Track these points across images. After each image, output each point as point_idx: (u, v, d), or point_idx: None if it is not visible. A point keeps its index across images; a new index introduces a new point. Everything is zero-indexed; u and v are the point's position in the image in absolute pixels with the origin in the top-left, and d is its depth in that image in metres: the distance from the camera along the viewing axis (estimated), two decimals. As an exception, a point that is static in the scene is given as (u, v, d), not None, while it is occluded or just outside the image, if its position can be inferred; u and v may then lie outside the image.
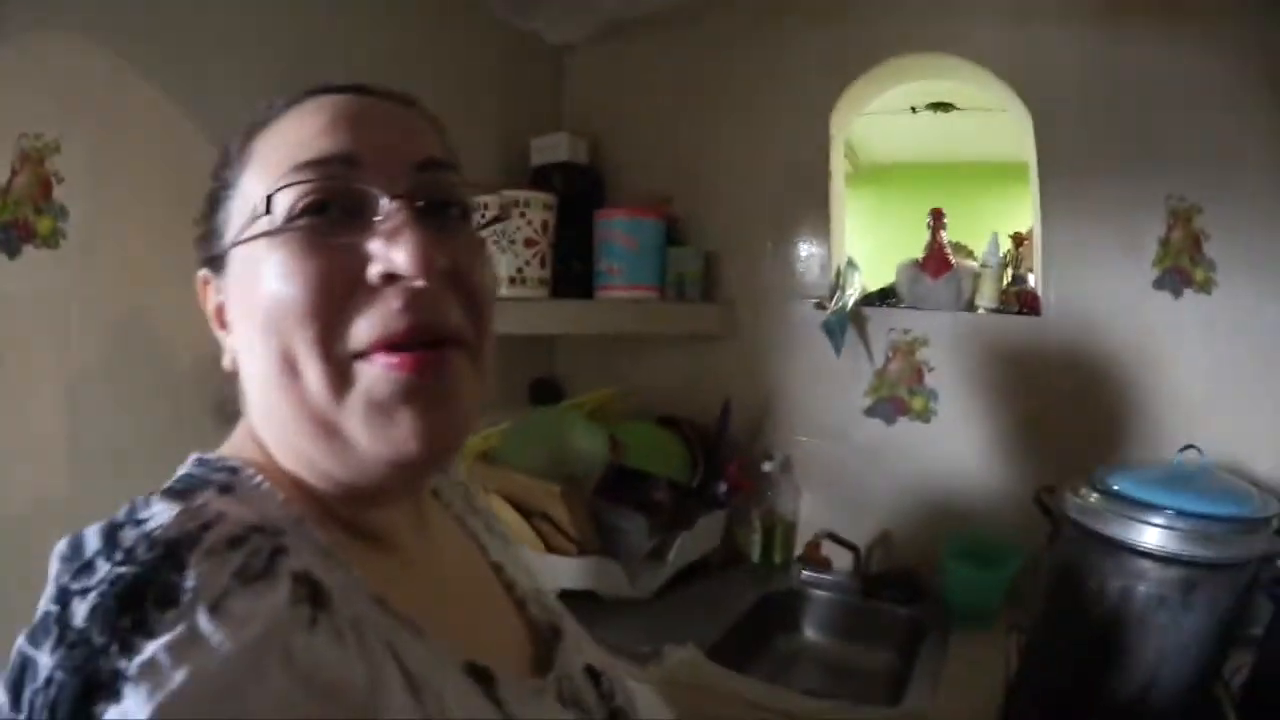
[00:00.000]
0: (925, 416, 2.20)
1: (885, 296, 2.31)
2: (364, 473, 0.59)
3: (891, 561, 2.24)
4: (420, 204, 0.59)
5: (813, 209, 2.34)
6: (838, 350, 2.22)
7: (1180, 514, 1.32)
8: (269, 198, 0.57)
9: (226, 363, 0.64)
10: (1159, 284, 1.99)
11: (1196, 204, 1.96)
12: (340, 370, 0.56)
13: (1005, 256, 2.27)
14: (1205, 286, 1.97)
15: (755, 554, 2.33)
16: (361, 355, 0.56)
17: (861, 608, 2.14)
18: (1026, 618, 1.84)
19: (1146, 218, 1.99)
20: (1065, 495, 1.51)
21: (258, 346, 0.57)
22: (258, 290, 0.57)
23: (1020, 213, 2.31)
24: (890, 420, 2.24)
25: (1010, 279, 2.27)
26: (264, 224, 0.57)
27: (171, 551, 0.45)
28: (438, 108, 0.70)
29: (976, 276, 2.19)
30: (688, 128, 2.46)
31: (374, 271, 0.57)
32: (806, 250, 2.36)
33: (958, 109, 2.94)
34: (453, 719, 0.54)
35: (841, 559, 2.22)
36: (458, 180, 0.65)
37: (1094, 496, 1.44)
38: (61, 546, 0.48)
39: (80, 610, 0.43)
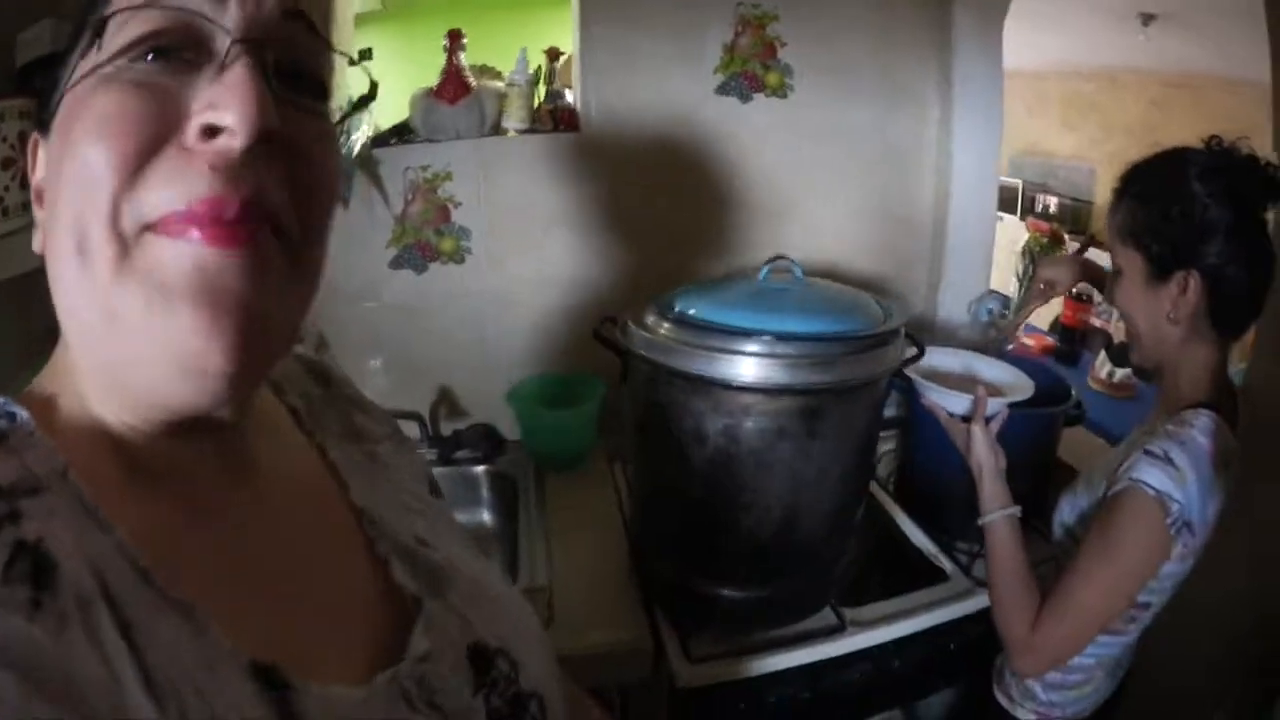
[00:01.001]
0: (458, 257, 1.95)
1: (401, 133, 1.96)
2: (151, 381, 0.47)
3: (462, 420, 2.05)
4: (271, 56, 0.46)
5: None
6: (344, 202, 1.87)
7: (782, 338, 1.15)
8: (102, 21, 0.45)
9: (36, 245, 0.50)
10: (723, 90, 1.92)
11: (771, 11, 1.89)
12: (124, 244, 0.44)
13: (537, 73, 2.03)
14: (780, 91, 1.94)
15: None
16: (152, 227, 0.44)
17: (442, 476, 1.92)
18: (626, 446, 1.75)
19: (709, 25, 1.89)
20: (629, 327, 1.29)
21: (57, 220, 0.46)
22: (66, 148, 0.45)
23: (561, 33, 2.08)
24: (421, 268, 1.95)
25: (544, 96, 2.04)
26: (90, 61, 0.45)
27: None
28: None
29: (503, 97, 1.92)
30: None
31: (194, 125, 0.44)
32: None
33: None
34: None
35: (409, 430, 1.98)
36: (325, 50, 0.51)
37: (665, 326, 1.23)
38: None
39: None
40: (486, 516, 1.97)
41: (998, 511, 1.25)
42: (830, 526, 1.37)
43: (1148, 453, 1.09)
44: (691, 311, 1.23)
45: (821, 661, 1.40)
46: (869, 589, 1.54)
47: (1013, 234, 4.76)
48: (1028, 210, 5.51)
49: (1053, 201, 5.43)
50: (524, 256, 1.96)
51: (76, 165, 0.44)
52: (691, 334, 1.20)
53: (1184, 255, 1.13)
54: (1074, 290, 3.00)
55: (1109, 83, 5.29)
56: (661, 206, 1.96)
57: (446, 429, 2.01)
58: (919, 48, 2.05)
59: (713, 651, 1.36)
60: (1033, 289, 1.65)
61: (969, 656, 1.51)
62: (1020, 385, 1.47)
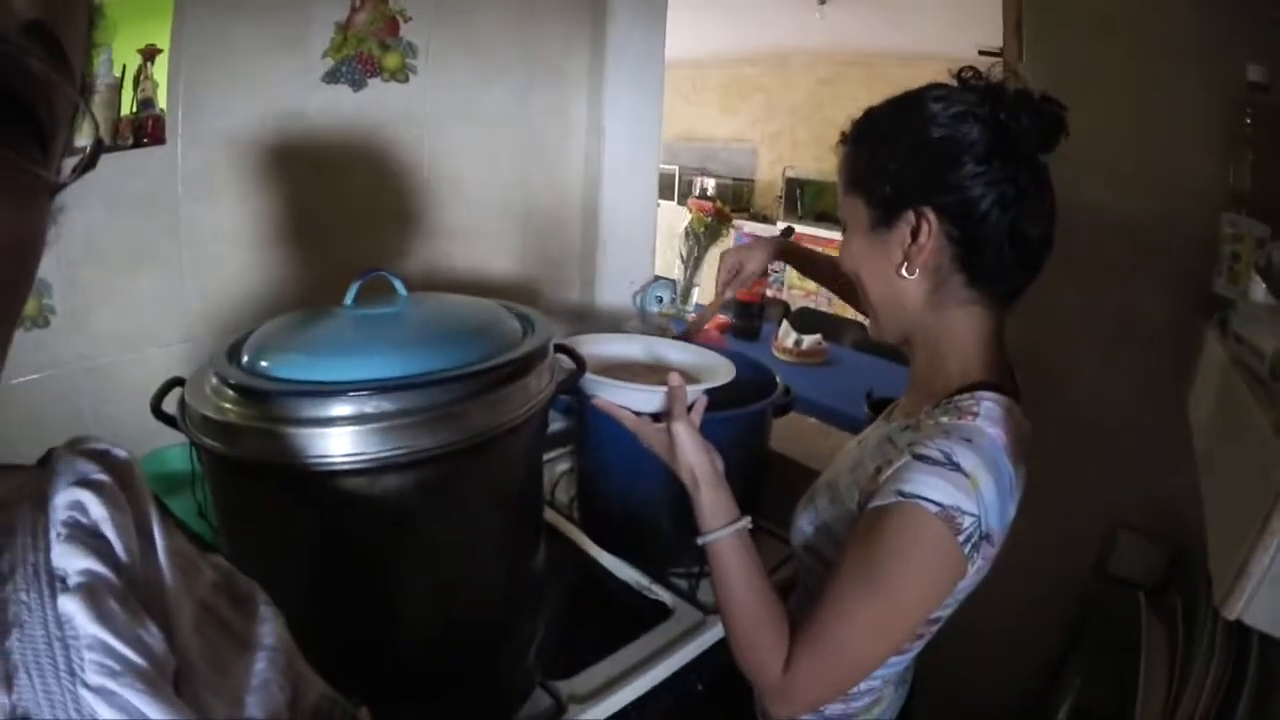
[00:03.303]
0: (41, 320, 1.44)
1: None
2: None
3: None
4: None
5: None
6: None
7: (378, 390, 0.81)
8: None
9: None
10: (332, 77, 1.61)
11: (387, -21, 1.60)
12: None
13: (124, 76, 1.61)
14: (400, 74, 1.68)
15: None
16: None
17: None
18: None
19: (319, 2, 1.57)
20: (184, 397, 0.93)
21: None
22: None
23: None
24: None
25: (135, 105, 1.63)
26: None
27: None
28: None
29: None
30: None
31: None
32: None
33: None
34: None
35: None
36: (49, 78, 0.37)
37: (225, 393, 0.86)
38: None
39: None
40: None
41: (723, 528, 0.98)
42: (508, 604, 1.08)
43: (921, 458, 0.85)
44: (263, 364, 0.88)
45: (551, 757, 1.11)
46: (582, 650, 1.26)
47: (671, 219, 4.82)
48: (685, 194, 5.57)
49: (711, 183, 5.56)
50: (114, 309, 1.51)
51: None
52: (253, 403, 0.84)
53: (912, 190, 0.92)
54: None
55: (777, 65, 5.51)
56: (275, 227, 1.62)
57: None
58: (568, 17, 1.88)
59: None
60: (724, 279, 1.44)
61: (725, 689, 1.27)
62: (718, 368, 1.23)
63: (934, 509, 0.83)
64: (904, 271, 0.94)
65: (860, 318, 1.37)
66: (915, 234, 0.92)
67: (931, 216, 0.91)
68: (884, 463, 0.91)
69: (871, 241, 0.96)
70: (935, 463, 0.84)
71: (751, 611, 0.95)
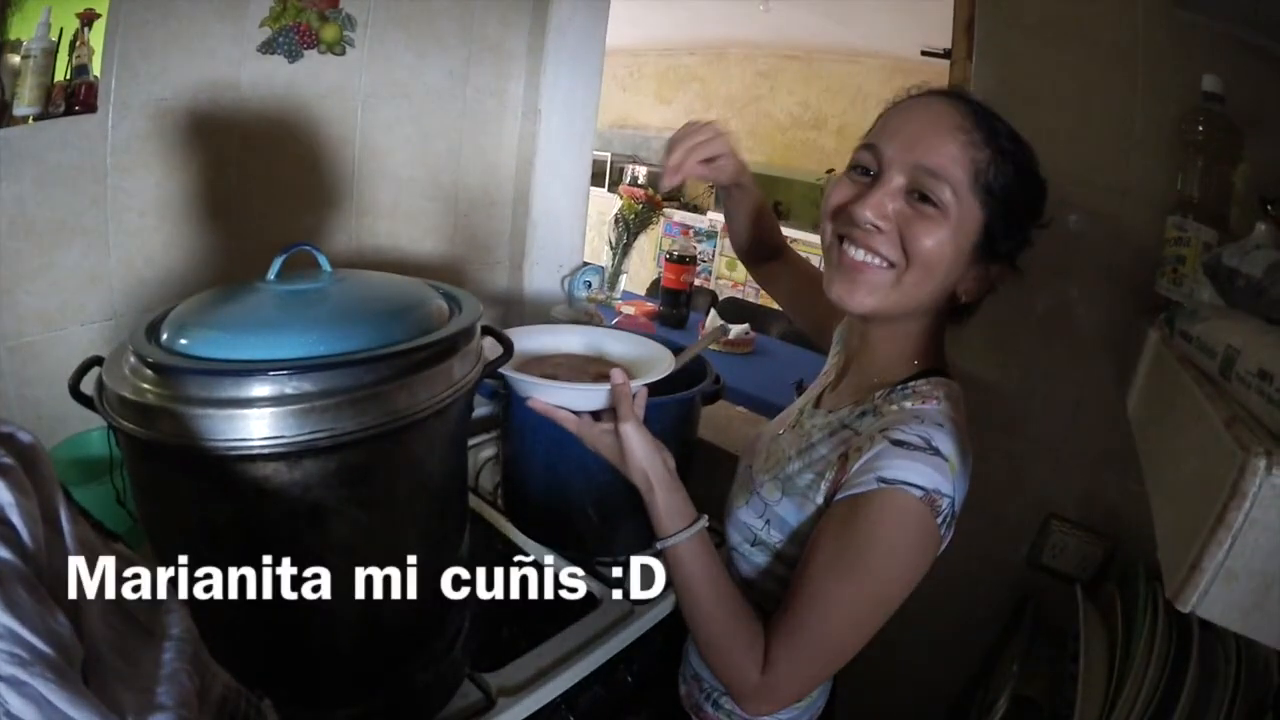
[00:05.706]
0: None
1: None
2: None
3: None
4: None
5: None
6: None
7: (298, 370, 0.76)
8: None
9: None
10: (268, 47, 1.54)
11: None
12: None
13: (60, 40, 1.51)
14: (336, 47, 1.62)
15: None
16: None
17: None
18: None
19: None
20: (101, 377, 0.86)
21: None
22: None
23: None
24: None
25: (70, 71, 1.53)
26: None
27: None
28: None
29: (16, 75, 1.41)
30: None
31: None
32: None
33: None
34: None
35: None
36: None
37: (143, 372, 0.81)
38: None
39: None
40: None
41: (683, 531, 0.95)
42: (433, 599, 1.02)
43: (900, 444, 0.85)
44: (181, 342, 0.83)
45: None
46: (509, 641, 1.25)
47: (601, 206, 4.80)
48: (616, 182, 5.56)
49: (642, 171, 5.54)
50: (39, 285, 1.44)
51: None
52: (170, 383, 0.79)
53: (1011, 249, 0.93)
54: (673, 252, 2.96)
55: (716, 55, 5.53)
56: (204, 201, 1.55)
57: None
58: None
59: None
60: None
61: (653, 680, 1.31)
62: (657, 359, 1.19)
63: (918, 494, 0.83)
64: (960, 292, 0.94)
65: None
66: (984, 281, 0.94)
67: (997, 274, 0.94)
68: (849, 451, 0.91)
69: (961, 251, 0.90)
70: (916, 448, 0.85)
71: (723, 616, 0.93)
